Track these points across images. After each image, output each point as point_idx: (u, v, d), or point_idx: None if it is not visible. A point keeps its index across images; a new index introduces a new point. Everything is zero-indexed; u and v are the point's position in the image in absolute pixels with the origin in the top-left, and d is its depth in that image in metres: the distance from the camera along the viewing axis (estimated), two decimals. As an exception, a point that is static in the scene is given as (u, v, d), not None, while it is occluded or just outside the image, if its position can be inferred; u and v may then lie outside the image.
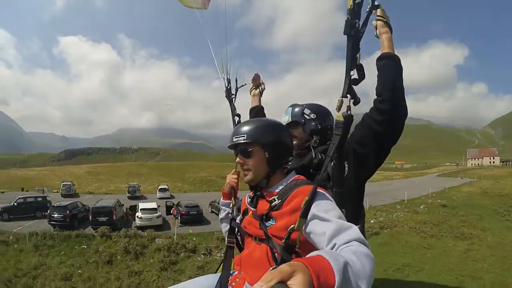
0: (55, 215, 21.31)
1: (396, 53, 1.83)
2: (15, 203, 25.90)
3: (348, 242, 1.15)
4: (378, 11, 1.79)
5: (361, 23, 1.50)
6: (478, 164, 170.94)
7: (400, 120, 1.82)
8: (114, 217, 21.47)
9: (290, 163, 1.83)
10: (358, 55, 1.49)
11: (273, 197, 1.68)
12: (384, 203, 27.35)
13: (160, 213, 23.02)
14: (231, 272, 1.88)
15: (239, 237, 2.05)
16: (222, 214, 2.23)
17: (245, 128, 1.76)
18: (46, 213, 23.14)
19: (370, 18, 1.64)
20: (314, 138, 2.17)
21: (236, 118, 2.67)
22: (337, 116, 1.50)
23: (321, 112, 2.25)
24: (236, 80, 2.84)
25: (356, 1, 1.44)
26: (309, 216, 1.40)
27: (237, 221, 2.05)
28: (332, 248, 1.20)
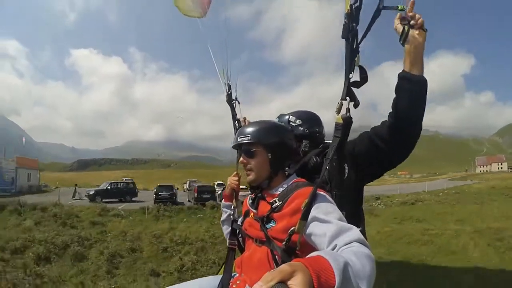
0: (162, 193, 24.87)
1: (423, 72, 1.59)
2: (108, 187, 28.37)
3: (348, 243, 1.16)
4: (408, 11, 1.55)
5: (358, 24, 1.43)
6: (487, 170, 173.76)
7: (411, 144, 1.73)
8: (216, 194, 26.36)
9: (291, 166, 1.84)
10: (356, 58, 1.44)
11: (274, 199, 1.69)
12: (408, 192, 32.98)
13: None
14: (232, 274, 1.89)
15: (240, 239, 2.06)
16: (223, 216, 2.25)
17: (250, 129, 1.79)
18: (135, 198, 27.31)
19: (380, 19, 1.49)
20: (304, 143, 2.17)
21: (237, 124, 2.59)
22: (337, 118, 1.44)
23: (306, 117, 2.29)
24: (236, 85, 2.74)
25: (355, 5, 1.40)
26: (309, 218, 1.39)
27: (239, 223, 2.07)
28: (332, 249, 1.19)
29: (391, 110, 1.69)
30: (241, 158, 1.81)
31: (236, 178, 2.23)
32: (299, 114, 2.29)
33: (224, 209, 2.26)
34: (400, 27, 1.57)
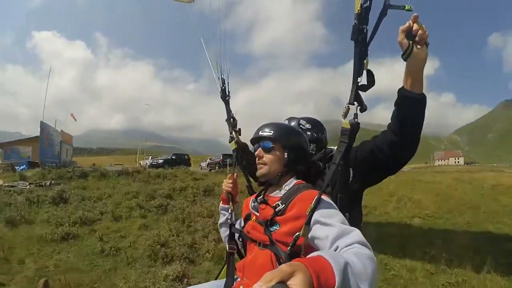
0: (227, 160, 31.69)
1: (422, 88, 1.53)
2: (173, 157, 37.24)
3: (350, 245, 1.17)
4: (415, 25, 1.40)
5: (369, 26, 1.38)
6: (444, 164, 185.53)
7: (411, 156, 1.73)
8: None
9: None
10: (365, 61, 1.40)
11: (276, 202, 1.70)
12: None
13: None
14: (235, 277, 1.88)
15: (240, 243, 2.05)
16: (222, 219, 2.23)
17: (272, 126, 1.86)
18: (189, 166, 32.86)
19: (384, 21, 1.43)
20: (311, 146, 2.19)
21: (232, 121, 2.52)
22: (344, 123, 1.43)
23: (315, 122, 2.37)
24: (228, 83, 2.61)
25: (364, 6, 1.35)
26: (312, 222, 1.42)
27: (237, 226, 2.08)
28: (334, 251, 1.20)
29: (390, 122, 1.66)
30: (258, 151, 1.84)
31: (231, 181, 2.21)
32: (308, 119, 2.37)
33: (223, 211, 2.22)
34: (405, 43, 1.42)
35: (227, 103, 2.55)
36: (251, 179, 2.36)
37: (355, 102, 1.43)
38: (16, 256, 7.37)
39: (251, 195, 2.12)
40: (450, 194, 13.24)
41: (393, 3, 1.38)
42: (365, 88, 1.46)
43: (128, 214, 11.15)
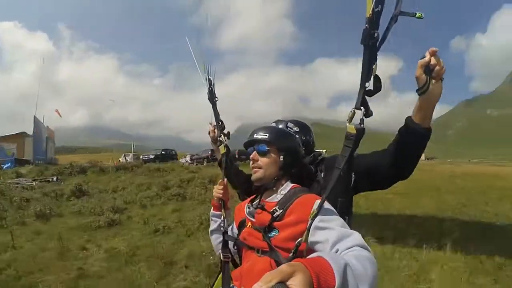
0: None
1: (430, 123, 1.53)
2: (163, 153, 38.71)
3: (350, 248, 1.18)
4: (432, 60, 1.37)
5: (380, 31, 1.33)
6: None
7: (403, 178, 1.73)
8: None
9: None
10: (374, 66, 1.36)
11: (274, 208, 1.68)
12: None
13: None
14: (230, 286, 1.87)
15: (235, 250, 2.01)
16: (213, 226, 2.17)
17: (268, 129, 1.85)
18: (176, 160, 35.01)
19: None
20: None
21: (220, 123, 2.41)
22: (349, 128, 1.39)
23: (303, 125, 2.35)
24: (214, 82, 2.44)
25: (376, 10, 1.30)
26: (312, 227, 1.42)
27: (230, 233, 2.03)
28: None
29: (391, 144, 1.66)
30: (253, 154, 1.80)
31: (221, 187, 2.15)
32: (296, 122, 2.35)
33: (214, 218, 2.16)
34: (423, 78, 1.38)
35: (214, 105, 2.40)
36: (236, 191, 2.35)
37: (362, 107, 1.39)
38: (74, 245, 7.97)
39: (242, 201, 2.11)
40: (417, 178, 15.57)
41: (404, 10, 1.33)
42: (371, 93, 1.41)
43: (152, 203, 12.56)
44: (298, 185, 1.81)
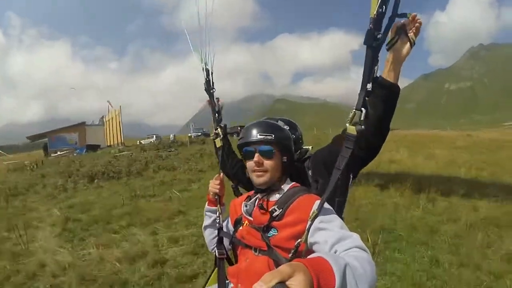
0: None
1: (397, 81, 1.56)
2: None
3: (349, 249, 1.19)
4: (407, 22, 1.47)
5: (382, 33, 1.34)
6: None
7: (381, 146, 1.71)
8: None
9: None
10: (376, 68, 1.37)
11: (273, 207, 1.65)
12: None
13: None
14: (226, 282, 1.86)
15: (229, 246, 1.98)
16: (207, 221, 2.10)
17: (269, 127, 1.76)
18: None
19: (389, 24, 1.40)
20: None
21: (217, 115, 2.35)
22: (349, 128, 1.38)
23: (292, 124, 2.30)
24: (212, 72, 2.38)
25: (380, 11, 1.30)
26: (312, 228, 1.41)
27: (225, 229, 2.00)
28: None
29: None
30: (257, 157, 1.71)
31: (218, 182, 2.07)
32: (285, 120, 2.28)
33: (208, 213, 2.09)
34: (392, 34, 1.46)
35: (211, 96, 2.32)
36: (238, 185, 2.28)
37: (363, 108, 1.35)
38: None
39: (237, 196, 2.09)
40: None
41: (399, 12, 1.38)
42: (370, 94, 1.38)
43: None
44: (297, 184, 1.80)
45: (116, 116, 40.31)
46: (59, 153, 31.88)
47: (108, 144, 41.24)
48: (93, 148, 32.96)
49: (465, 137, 25.89)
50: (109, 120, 43.43)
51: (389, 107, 1.57)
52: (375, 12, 1.28)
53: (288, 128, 2.00)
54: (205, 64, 2.30)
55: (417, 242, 5.49)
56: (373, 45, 1.32)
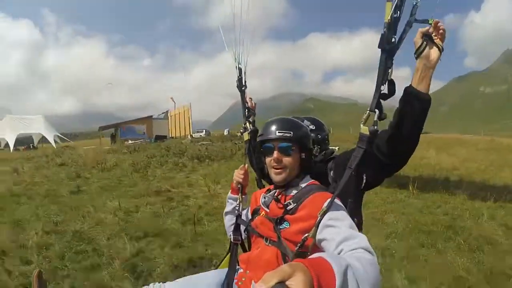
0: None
1: (428, 90, 1.50)
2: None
3: (354, 249, 1.19)
4: (431, 29, 1.47)
5: (397, 37, 1.38)
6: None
7: (409, 157, 1.65)
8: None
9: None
10: (390, 71, 1.41)
11: (288, 201, 1.70)
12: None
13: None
14: (237, 267, 1.90)
15: (244, 234, 2.05)
16: (228, 208, 2.23)
17: (289, 124, 1.80)
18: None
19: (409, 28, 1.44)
20: (315, 148, 2.17)
21: (247, 112, 2.47)
22: (363, 129, 1.44)
23: (319, 123, 2.34)
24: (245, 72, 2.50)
25: (394, 16, 1.34)
26: (321, 224, 1.42)
27: (243, 217, 2.08)
28: (338, 254, 1.22)
29: (391, 120, 1.58)
30: (276, 155, 1.76)
31: (242, 172, 2.17)
32: (312, 119, 2.33)
33: (230, 200, 2.23)
34: (419, 41, 1.46)
35: (243, 93, 2.46)
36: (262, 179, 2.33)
37: (376, 110, 1.40)
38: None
39: (260, 188, 2.16)
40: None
41: (418, 18, 1.40)
42: (386, 97, 1.44)
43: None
44: (316, 182, 1.83)
45: (185, 111, 43.48)
46: (130, 141, 34.71)
47: (172, 136, 44.08)
48: (161, 138, 35.89)
49: (487, 141, 27.66)
50: (176, 114, 46.50)
51: (418, 116, 1.50)
52: (389, 17, 1.35)
53: (313, 127, 2.21)
54: (238, 63, 2.43)
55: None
56: (386, 48, 1.39)
